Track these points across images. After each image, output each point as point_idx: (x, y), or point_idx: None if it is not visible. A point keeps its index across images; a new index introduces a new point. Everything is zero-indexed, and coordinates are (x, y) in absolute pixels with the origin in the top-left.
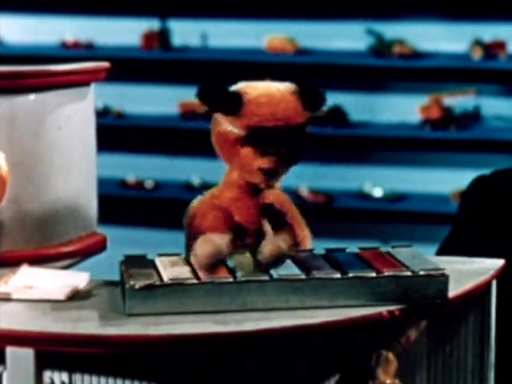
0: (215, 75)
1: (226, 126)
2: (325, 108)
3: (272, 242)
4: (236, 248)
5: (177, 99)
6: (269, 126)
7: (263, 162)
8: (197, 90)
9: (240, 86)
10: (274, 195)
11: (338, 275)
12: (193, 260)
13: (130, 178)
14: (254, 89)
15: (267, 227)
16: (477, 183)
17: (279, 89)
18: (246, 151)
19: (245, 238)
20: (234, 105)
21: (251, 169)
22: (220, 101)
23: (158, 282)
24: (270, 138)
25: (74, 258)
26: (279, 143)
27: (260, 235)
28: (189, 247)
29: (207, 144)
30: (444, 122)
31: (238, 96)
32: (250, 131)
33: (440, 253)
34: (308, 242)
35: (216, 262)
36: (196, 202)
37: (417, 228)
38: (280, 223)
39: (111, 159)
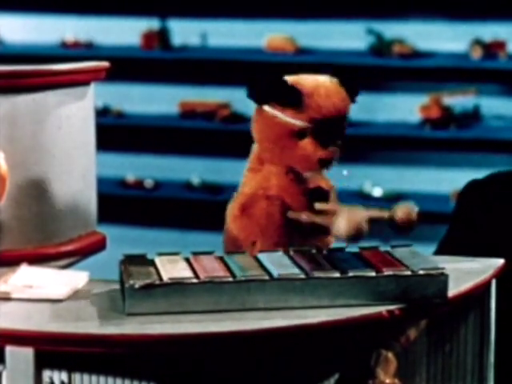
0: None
1: (286, 118)
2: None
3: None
4: (291, 235)
5: (177, 99)
6: (331, 118)
7: (325, 154)
8: (249, 84)
9: (288, 80)
10: (320, 179)
11: (338, 275)
12: (335, 232)
13: (130, 177)
14: (306, 81)
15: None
16: (471, 187)
17: (328, 80)
18: (307, 144)
19: (299, 224)
20: (296, 97)
21: (311, 160)
22: (281, 92)
23: (157, 282)
24: (332, 130)
25: (74, 258)
26: (338, 133)
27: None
28: (235, 246)
29: (207, 143)
30: (444, 122)
31: (296, 88)
32: (315, 123)
33: (436, 254)
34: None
35: (357, 236)
36: (234, 200)
37: (416, 227)
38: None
39: (111, 158)
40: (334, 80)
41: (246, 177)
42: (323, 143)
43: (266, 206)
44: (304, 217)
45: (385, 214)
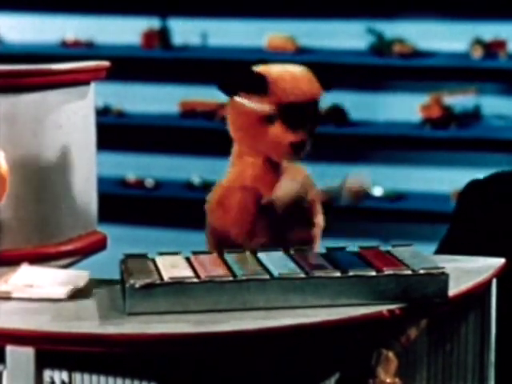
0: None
1: (252, 105)
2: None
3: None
4: (267, 224)
5: (177, 98)
6: (298, 102)
7: (294, 137)
8: (219, 78)
9: (256, 69)
10: (295, 168)
11: (338, 274)
12: (276, 200)
13: (131, 176)
14: (272, 69)
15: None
16: (471, 186)
17: (297, 68)
18: (276, 128)
19: (274, 212)
20: (261, 83)
21: (282, 145)
22: (246, 81)
23: (158, 281)
24: (300, 113)
25: (74, 257)
26: (307, 118)
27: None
28: (215, 239)
29: (207, 143)
30: (444, 121)
31: (262, 75)
32: (281, 108)
33: (437, 253)
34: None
35: (297, 201)
36: (213, 193)
37: (417, 227)
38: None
39: (111, 158)
40: (305, 69)
41: (228, 170)
42: (292, 127)
43: (240, 197)
44: (276, 199)
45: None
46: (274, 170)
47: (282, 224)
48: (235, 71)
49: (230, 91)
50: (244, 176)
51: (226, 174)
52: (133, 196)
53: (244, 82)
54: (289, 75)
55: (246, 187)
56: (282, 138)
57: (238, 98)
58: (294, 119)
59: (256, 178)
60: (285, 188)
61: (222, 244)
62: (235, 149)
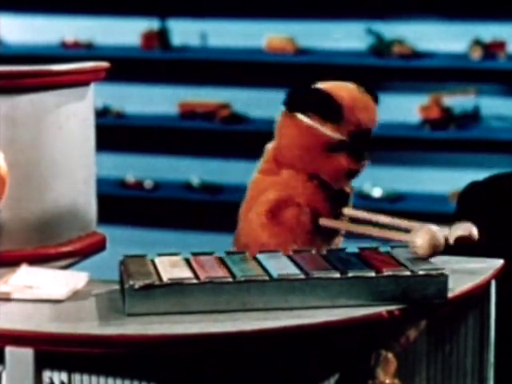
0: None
1: (324, 131)
2: None
3: (428, 233)
4: (320, 241)
5: (176, 99)
6: (367, 131)
7: (357, 166)
8: (289, 93)
9: (328, 89)
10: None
11: (338, 275)
12: (413, 250)
13: (130, 177)
14: (342, 92)
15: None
16: (471, 188)
17: (360, 91)
18: (341, 156)
19: (327, 230)
20: (337, 111)
21: (341, 174)
22: (323, 106)
23: (157, 282)
24: (367, 143)
25: (74, 258)
26: (371, 146)
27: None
28: (258, 249)
29: (206, 144)
30: (443, 122)
31: (337, 102)
32: (352, 137)
33: None
34: None
35: (435, 253)
36: (259, 205)
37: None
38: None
39: (111, 159)
40: (361, 89)
41: (260, 179)
42: (358, 156)
43: (297, 214)
44: (339, 226)
45: (403, 237)
46: (322, 185)
47: (328, 238)
48: (305, 88)
49: (296, 107)
50: (295, 192)
51: (259, 181)
52: (132, 197)
53: (318, 104)
54: (361, 103)
55: (300, 204)
56: (343, 167)
57: (302, 117)
58: (362, 149)
59: (309, 195)
60: (426, 236)
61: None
62: (273, 156)
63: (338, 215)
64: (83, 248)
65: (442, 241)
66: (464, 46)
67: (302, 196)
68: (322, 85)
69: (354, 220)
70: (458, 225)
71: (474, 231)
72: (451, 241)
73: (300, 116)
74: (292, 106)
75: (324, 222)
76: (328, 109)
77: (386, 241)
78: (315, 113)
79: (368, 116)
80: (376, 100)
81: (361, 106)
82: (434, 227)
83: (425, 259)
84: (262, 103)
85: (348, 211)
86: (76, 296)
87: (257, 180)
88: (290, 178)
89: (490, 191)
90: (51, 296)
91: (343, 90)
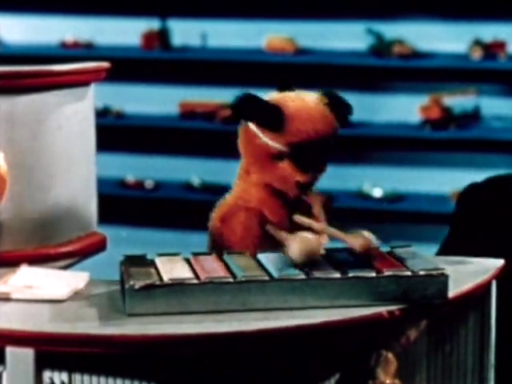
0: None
1: (265, 140)
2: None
3: (301, 240)
4: (270, 246)
5: (177, 99)
6: (310, 142)
7: (303, 178)
8: (234, 101)
9: (275, 98)
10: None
11: (338, 275)
12: (288, 257)
13: (130, 177)
14: (291, 102)
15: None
16: (470, 190)
17: (315, 102)
18: (285, 166)
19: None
20: (277, 121)
21: (289, 183)
22: (263, 115)
23: (157, 282)
24: (311, 154)
25: (74, 258)
26: (318, 158)
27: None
28: (218, 251)
29: (207, 144)
30: (444, 122)
31: (279, 111)
32: (293, 148)
33: (439, 255)
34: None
35: (310, 260)
36: (217, 209)
37: (416, 228)
38: (308, 216)
39: (111, 159)
40: (323, 101)
41: (235, 184)
42: (302, 168)
43: (244, 219)
44: (280, 235)
45: (343, 237)
46: (279, 196)
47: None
48: (251, 98)
49: (243, 117)
50: (249, 196)
51: (231, 191)
52: (132, 197)
53: (260, 113)
54: (306, 112)
55: (250, 208)
56: (289, 176)
57: (251, 125)
58: (304, 160)
59: (261, 200)
60: (299, 245)
61: None
62: (242, 166)
63: (295, 225)
64: (83, 248)
65: (317, 248)
66: (464, 46)
67: (254, 202)
68: (275, 94)
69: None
70: (355, 234)
71: (371, 240)
72: (357, 249)
73: (249, 124)
74: (238, 115)
75: (270, 228)
76: (268, 117)
77: None
78: (256, 121)
79: (311, 127)
80: (341, 117)
81: (304, 118)
82: (308, 235)
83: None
84: None
85: (297, 218)
86: (76, 296)
87: (234, 185)
88: (248, 184)
89: (489, 192)
90: (51, 296)
91: (293, 100)
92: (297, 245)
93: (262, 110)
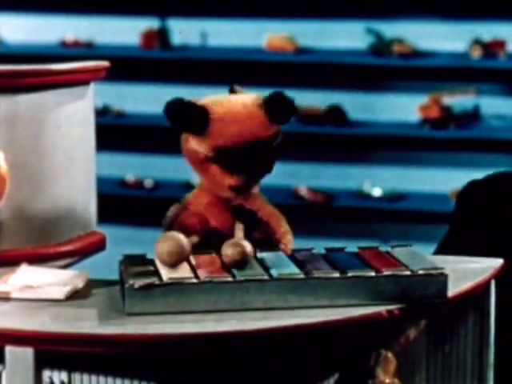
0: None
1: (193, 144)
2: (292, 118)
3: (234, 245)
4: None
5: None
6: (235, 146)
7: (232, 181)
8: (164, 107)
9: (205, 103)
10: (248, 198)
11: (338, 275)
12: (155, 257)
13: (130, 177)
14: (219, 106)
15: (239, 230)
16: (470, 187)
17: (245, 104)
18: (215, 170)
19: (221, 242)
20: (200, 125)
21: (221, 186)
22: (187, 120)
23: (157, 282)
24: (238, 157)
25: (74, 258)
26: (247, 161)
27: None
28: None
29: None
30: (443, 122)
31: (204, 115)
32: (217, 152)
33: (437, 254)
34: (288, 237)
35: (177, 260)
36: (173, 208)
37: (416, 227)
38: (252, 222)
39: (111, 158)
40: (256, 103)
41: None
42: (229, 171)
43: (183, 219)
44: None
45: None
46: (222, 201)
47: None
48: (179, 102)
49: (173, 122)
50: (198, 202)
51: (188, 194)
52: (132, 196)
53: (185, 118)
54: (231, 115)
55: (198, 213)
56: (219, 180)
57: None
58: (230, 164)
59: (207, 206)
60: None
61: None
62: None
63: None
64: (83, 247)
65: (185, 249)
66: (464, 46)
67: (195, 205)
68: (207, 98)
69: None
70: (228, 243)
71: (245, 249)
72: (226, 261)
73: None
74: (167, 118)
75: (193, 239)
76: (190, 122)
77: None
78: (179, 126)
79: (238, 130)
80: (277, 118)
81: (229, 121)
82: (179, 235)
83: (233, 265)
84: None
85: (239, 229)
86: (76, 296)
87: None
88: (197, 187)
89: (489, 190)
90: (51, 295)
91: (222, 103)
92: (164, 244)
93: (186, 115)
